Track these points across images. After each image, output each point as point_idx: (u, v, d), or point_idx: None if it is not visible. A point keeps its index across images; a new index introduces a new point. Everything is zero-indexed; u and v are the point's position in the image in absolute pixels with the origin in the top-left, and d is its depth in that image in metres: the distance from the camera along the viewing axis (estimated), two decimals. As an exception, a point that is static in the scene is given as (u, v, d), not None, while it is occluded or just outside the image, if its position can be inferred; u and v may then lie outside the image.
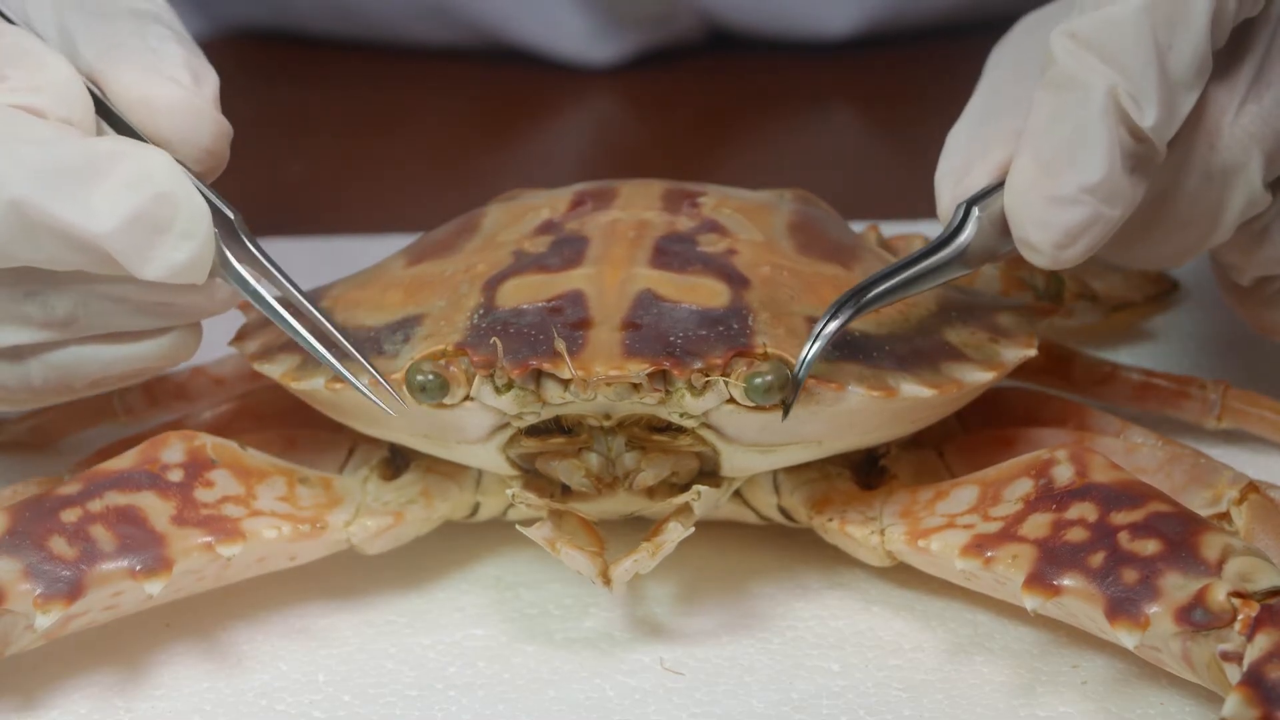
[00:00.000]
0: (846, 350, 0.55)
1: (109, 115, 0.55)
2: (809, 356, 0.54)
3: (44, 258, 0.53)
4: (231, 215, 0.55)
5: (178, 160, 0.54)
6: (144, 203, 0.52)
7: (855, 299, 0.54)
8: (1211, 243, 0.57)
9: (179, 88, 0.55)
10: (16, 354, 0.56)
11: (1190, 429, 0.65)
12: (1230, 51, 0.56)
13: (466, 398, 0.55)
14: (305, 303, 0.56)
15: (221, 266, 0.54)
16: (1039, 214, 0.53)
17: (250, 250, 0.55)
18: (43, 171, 0.52)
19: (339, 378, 0.56)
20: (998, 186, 0.54)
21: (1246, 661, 0.47)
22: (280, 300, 0.55)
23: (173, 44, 0.56)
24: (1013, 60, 0.59)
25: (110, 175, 0.52)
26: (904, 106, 1.08)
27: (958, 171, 0.56)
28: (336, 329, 0.56)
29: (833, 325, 0.54)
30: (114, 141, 0.54)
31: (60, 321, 0.55)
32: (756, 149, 1.06)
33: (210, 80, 0.56)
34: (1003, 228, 0.54)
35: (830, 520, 0.58)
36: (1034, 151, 0.53)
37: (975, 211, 0.55)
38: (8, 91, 0.54)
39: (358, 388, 0.55)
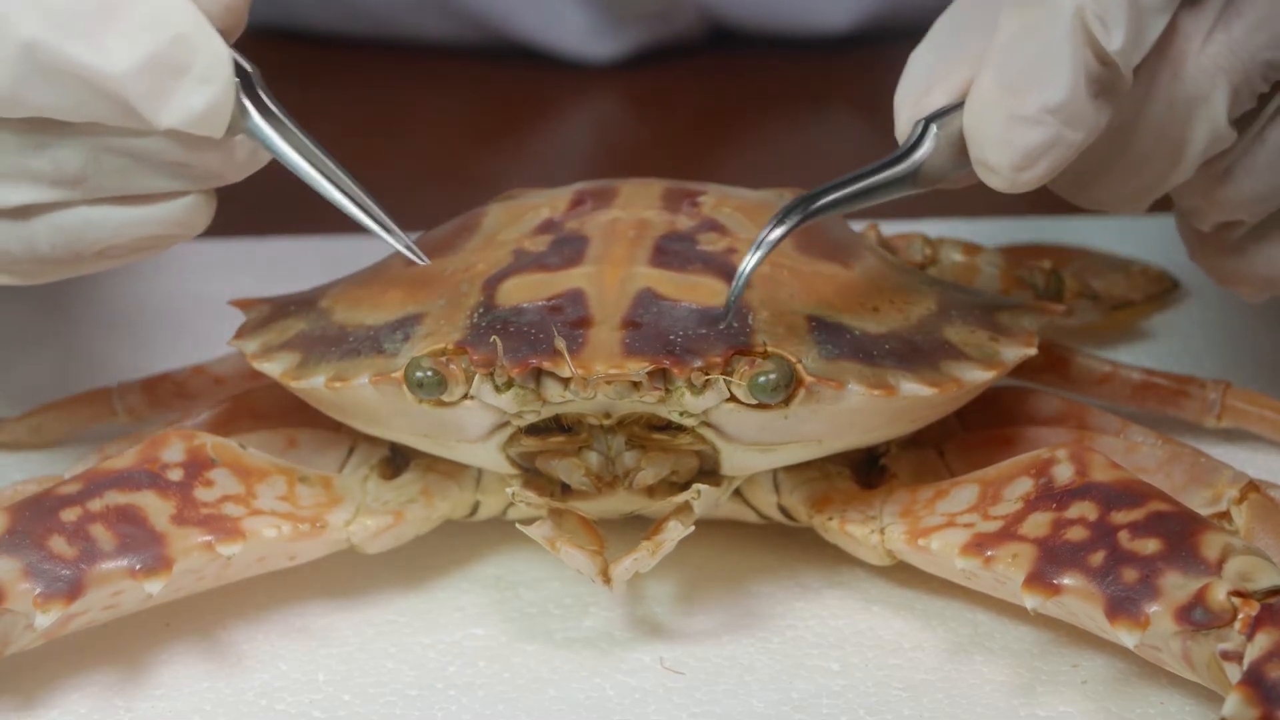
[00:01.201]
0: (846, 349, 0.55)
1: None
2: (750, 266, 0.53)
3: (56, 104, 0.52)
4: (250, 70, 0.54)
5: None
6: (161, 44, 0.51)
7: (803, 206, 0.54)
8: (1173, 180, 0.57)
9: None
10: (23, 213, 0.55)
11: (1190, 428, 0.65)
12: None
13: (467, 396, 0.55)
14: (329, 163, 0.55)
15: (242, 117, 0.53)
16: (999, 133, 0.52)
17: (270, 108, 0.54)
18: (57, 11, 0.51)
19: (340, 376, 0.56)
20: (958, 106, 0.54)
21: (1246, 661, 0.47)
22: (301, 156, 0.54)
23: None
24: None
25: (127, 16, 0.52)
26: (904, 106, 1.08)
27: (918, 91, 0.55)
28: (360, 189, 0.55)
29: (778, 232, 0.54)
30: None
31: (70, 179, 0.54)
32: (756, 148, 1.06)
33: None
34: (960, 148, 0.54)
35: (830, 519, 0.58)
36: (997, 70, 0.53)
37: (933, 129, 0.54)
38: None
39: (389, 240, 0.55)
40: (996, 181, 0.53)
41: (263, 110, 0.54)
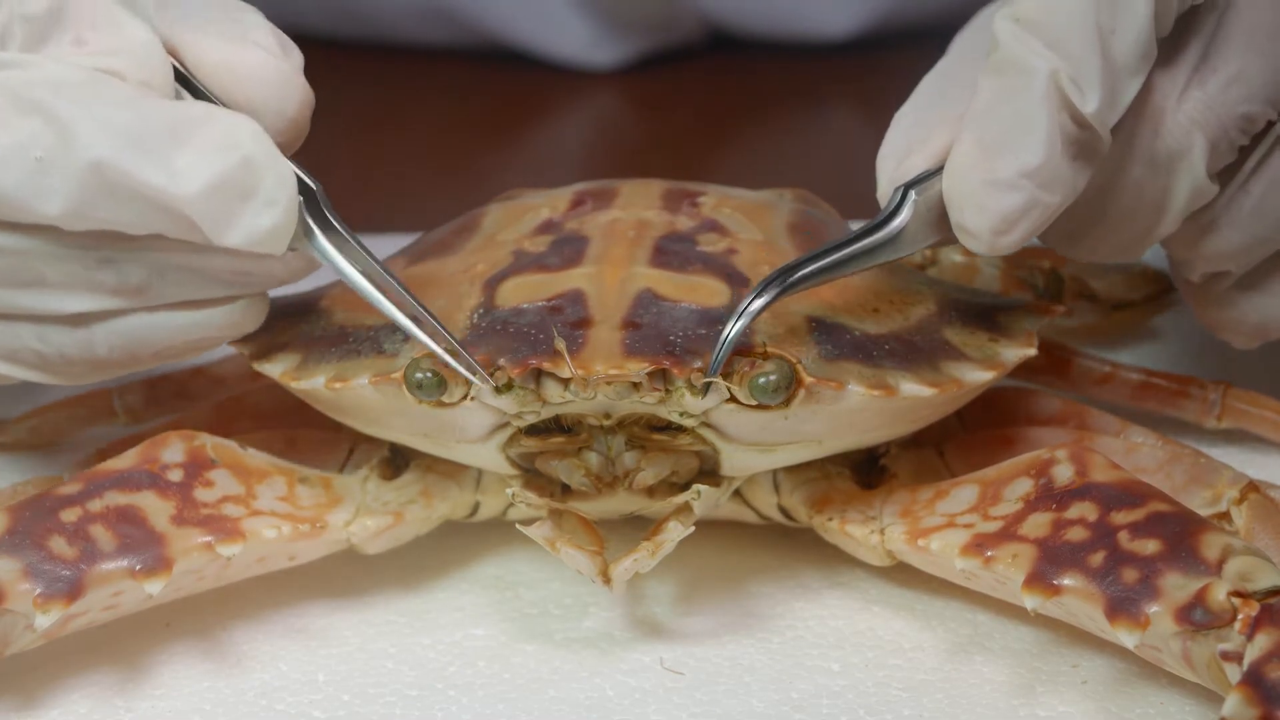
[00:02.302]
0: (846, 349, 0.55)
1: (187, 86, 0.54)
2: (731, 334, 0.53)
3: (123, 220, 0.53)
4: (314, 186, 0.54)
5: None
6: (229, 168, 0.52)
7: (782, 278, 0.54)
8: (1158, 234, 0.57)
9: (266, 54, 0.55)
10: (83, 320, 0.55)
11: (1190, 429, 0.65)
12: (1175, 37, 0.55)
13: (466, 397, 0.55)
14: (388, 277, 0.55)
15: (304, 235, 0.54)
16: (977, 198, 0.53)
17: (331, 222, 0.54)
18: (126, 133, 0.52)
19: (340, 376, 0.56)
20: (938, 171, 0.54)
21: (1246, 661, 0.47)
22: (362, 272, 0.54)
23: (256, 15, 0.55)
24: (968, 47, 0.59)
25: (195, 138, 0.52)
26: (904, 107, 1.08)
27: (899, 154, 0.56)
28: (420, 304, 0.55)
29: (758, 303, 0.53)
30: (197, 105, 0.53)
31: (133, 289, 0.54)
32: (756, 149, 1.07)
33: (296, 53, 0.55)
34: (941, 212, 0.54)
35: (830, 520, 0.58)
36: (974, 135, 0.53)
37: (912, 195, 0.55)
38: (87, 55, 0.53)
39: (448, 360, 0.54)
40: (975, 245, 0.54)
41: (323, 226, 0.54)
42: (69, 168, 0.52)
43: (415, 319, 0.54)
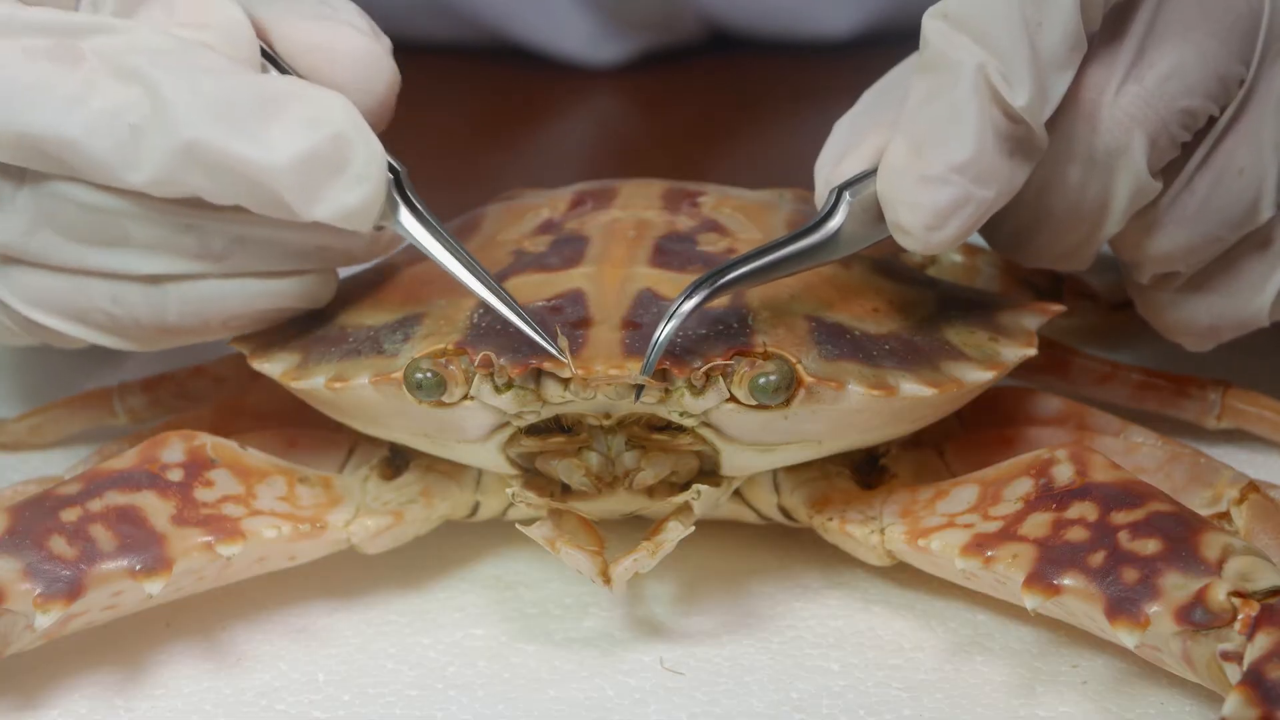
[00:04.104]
0: (846, 349, 0.55)
1: (274, 67, 0.55)
2: (662, 336, 0.53)
3: (210, 190, 0.53)
4: (399, 168, 0.55)
5: None
6: (321, 142, 0.52)
7: (713, 280, 0.54)
8: (1104, 235, 0.57)
9: (359, 33, 0.55)
10: (157, 281, 0.55)
11: (1190, 429, 0.65)
12: (1109, 31, 0.55)
13: (467, 396, 0.55)
14: (471, 259, 0.55)
15: (391, 212, 0.54)
16: (909, 195, 0.53)
17: (415, 205, 0.54)
18: (220, 104, 0.52)
19: (340, 376, 0.56)
20: (873, 171, 0.54)
21: (1246, 661, 0.47)
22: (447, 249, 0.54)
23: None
24: (913, 61, 0.59)
25: (288, 111, 0.52)
26: (904, 106, 1.08)
27: (835, 158, 0.56)
28: (502, 289, 0.54)
29: (688, 304, 0.53)
30: (289, 80, 0.53)
31: (213, 255, 0.55)
32: (756, 149, 1.06)
33: (385, 37, 0.56)
34: (876, 213, 0.54)
35: (830, 520, 0.58)
36: (906, 133, 0.53)
37: (846, 196, 0.55)
38: (175, 25, 0.53)
39: (541, 341, 0.53)
40: (910, 243, 0.53)
41: (409, 206, 0.55)
42: (162, 138, 0.52)
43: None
